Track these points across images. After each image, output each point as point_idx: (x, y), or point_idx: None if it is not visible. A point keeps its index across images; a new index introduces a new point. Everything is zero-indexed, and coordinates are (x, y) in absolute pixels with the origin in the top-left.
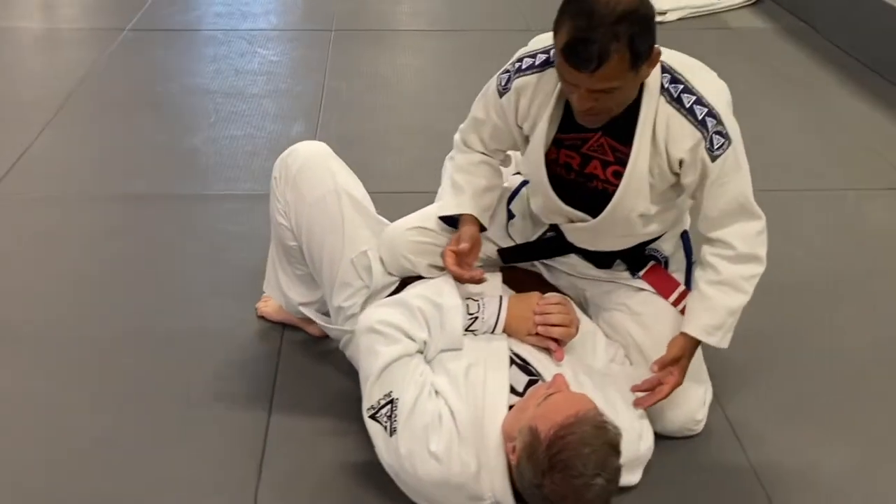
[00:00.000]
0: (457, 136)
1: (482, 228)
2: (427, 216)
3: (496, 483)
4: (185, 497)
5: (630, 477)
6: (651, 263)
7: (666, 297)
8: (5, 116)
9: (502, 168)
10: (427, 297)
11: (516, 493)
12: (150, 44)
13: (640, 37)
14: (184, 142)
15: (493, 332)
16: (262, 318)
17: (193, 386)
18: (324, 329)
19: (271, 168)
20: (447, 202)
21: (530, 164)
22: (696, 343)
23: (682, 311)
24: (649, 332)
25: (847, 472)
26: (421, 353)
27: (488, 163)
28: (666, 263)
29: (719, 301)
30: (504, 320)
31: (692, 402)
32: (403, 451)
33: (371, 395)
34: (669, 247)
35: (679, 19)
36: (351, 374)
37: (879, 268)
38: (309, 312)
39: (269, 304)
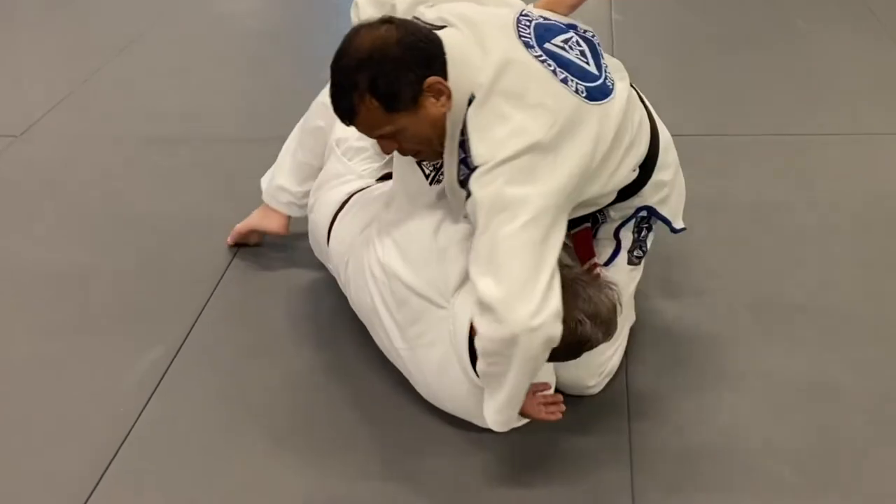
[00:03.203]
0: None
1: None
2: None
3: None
4: (106, 357)
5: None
6: (584, 225)
7: (581, 263)
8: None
9: None
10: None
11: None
12: None
13: (385, 78)
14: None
15: None
16: None
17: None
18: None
19: None
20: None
21: None
22: None
23: None
24: None
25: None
26: None
27: None
28: (597, 231)
29: None
30: None
31: (584, 366)
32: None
33: None
34: (616, 215)
35: None
36: (306, 265)
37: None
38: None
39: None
